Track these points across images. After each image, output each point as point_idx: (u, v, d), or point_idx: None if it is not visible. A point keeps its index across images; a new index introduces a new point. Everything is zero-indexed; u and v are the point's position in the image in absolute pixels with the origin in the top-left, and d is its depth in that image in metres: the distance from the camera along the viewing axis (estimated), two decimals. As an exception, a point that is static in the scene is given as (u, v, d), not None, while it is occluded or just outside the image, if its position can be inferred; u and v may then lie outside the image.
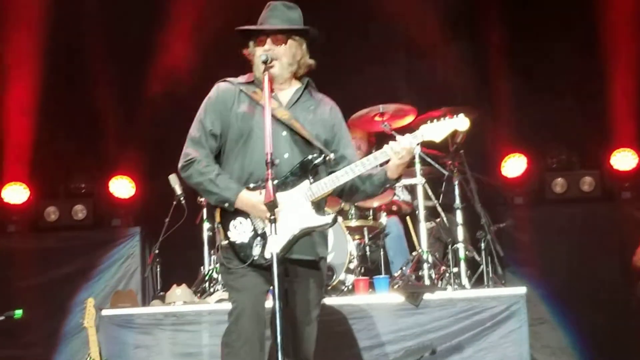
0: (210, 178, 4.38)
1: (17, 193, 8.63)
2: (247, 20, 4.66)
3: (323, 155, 4.39)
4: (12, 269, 8.32)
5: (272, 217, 4.08)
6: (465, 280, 6.72)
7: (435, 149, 6.82)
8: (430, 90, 8.09)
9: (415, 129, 4.43)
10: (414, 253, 6.91)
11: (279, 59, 4.45)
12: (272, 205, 4.07)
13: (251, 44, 4.52)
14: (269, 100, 4.29)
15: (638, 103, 8.35)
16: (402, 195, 7.54)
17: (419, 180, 6.80)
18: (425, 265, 6.60)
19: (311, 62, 4.56)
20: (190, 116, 4.58)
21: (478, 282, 6.87)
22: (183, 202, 7.17)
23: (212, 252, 7.05)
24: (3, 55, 8.60)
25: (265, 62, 4.37)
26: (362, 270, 6.80)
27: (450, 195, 7.07)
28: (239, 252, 4.35)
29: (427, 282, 6.54)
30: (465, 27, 8.54)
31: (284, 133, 4.44)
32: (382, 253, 7.00)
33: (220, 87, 4.57)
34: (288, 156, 4.41)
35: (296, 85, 4.58)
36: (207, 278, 6.93)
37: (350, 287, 6.58)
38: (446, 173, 7.04)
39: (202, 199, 7.04)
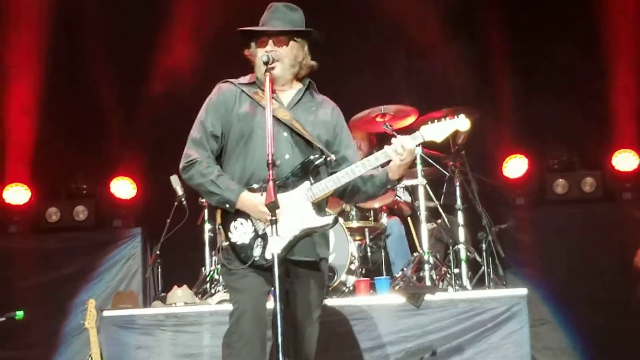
0: (211, 179, 4.38)
1: (18, 194, 8.63)
2: (249, 20, 4.66)
3: (324, 156, 4.39)
4: (13, 270, 8.32)
5: (273, 218, 4.09)
6: (466, 281, 6.72)
7: (436, 150, 6.82)
8: (431, 90, 8.10)
9: (416, 130, 4.43)
10: (415, 254, 6.91)
11: (281, 60, 4.45)
12: (273, 206, 4.07)
13: (253, 44, 4.52)
14: (270, 101, 4.29)
15: (639, 104, 8.35)
16: (403, 197, 7.53)
17: (420, 181, 6.80)
18: (427, 266, 6.59)
19: (313, 63, 4.56)
20: (191, 117, 4.58)
21: (479, 283, 6.87)
22: (184, 203, 7.17)
23: (213, 253, 7.06)
24: (4, 56, 8.60)
25: (266, 63, 4.37)
26: (363, 271, 6.80)
27: (451, 196, 7.06)
28: (239, 253, 4.35)
29: (428, 283, 6.54)
30: (465, 27, 8.54)
31: (285, 134, 4.44)
32: (383, 254, 7.01)
33: (221, 88, 4.58)
34: (289, 157, 4.41)
35: (297, 86, 4.58)
36: (208, 279, 6.94)
37: (351, 288, 6.58)
38: (447, 174, 7.05)
39: (204, 200, 7.05)
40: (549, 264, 7.93)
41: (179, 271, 7.45)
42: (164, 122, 8.24)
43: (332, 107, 4.63)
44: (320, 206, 4.42)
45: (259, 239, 4.33)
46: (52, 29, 8.49)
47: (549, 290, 7.79)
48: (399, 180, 4.48)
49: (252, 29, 4.53)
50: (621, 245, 7.83)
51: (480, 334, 6.08)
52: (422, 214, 6.77)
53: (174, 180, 7.14)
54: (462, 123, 4.42)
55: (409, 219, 7.36)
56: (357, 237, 6.95)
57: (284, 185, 4.34)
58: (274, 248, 4.08)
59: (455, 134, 4.54)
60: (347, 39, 8.38)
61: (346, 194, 4.55)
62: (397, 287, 6.50)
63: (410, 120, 7.13)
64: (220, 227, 4.42)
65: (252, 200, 4.31)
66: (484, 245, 6.88)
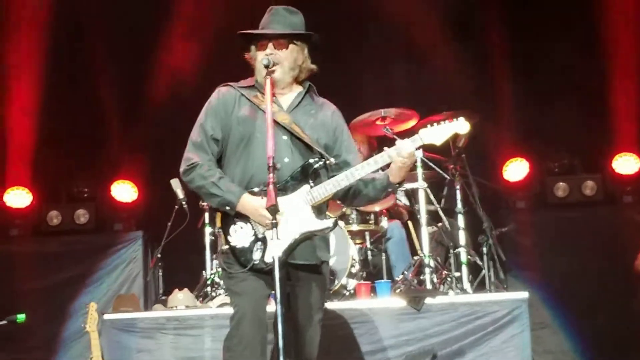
0: (212, 181, 4.38)
1: (19, 197, 8.62)
2: (249, 22, 4.67)
3: (323, 160, 4.40)
4: (15, 273, 8.31)
5: (274, 222, 4.09)
6: (467, 285, 6.71)
7: (437, 153, 6.82)
8: (431, 92, 8.09)
9: (417, 133, 4.43)
10: (416, 257, 6.91)
11: (281, 64, 4.46)
12: (273, 210, 4.07)
13: (253, 48, 4.53)
14: (270, 104, 4.29)
15: (640, 106, 8.36)
16: (403, 200, 7.53)
17: (420, 184, 6.79)
18: (427, 270, 6.59)
19: (313, 66, 4.56)
20: (192, 119, 4.59)
21: (480, 286, 6.86)
22: (185, 206, 7.18)
23: (214, 256, 7.04)
24: (4, 56, 8.60)
25: (267, 67, 4.38)
26: (364, 275, 6.80)
27: (452, 200, 7.06)
28: (239, 256, 4.35)
29: (429, 286, 6.53)
30: (466, 28, 8.53)
31: (285, 137, 4.44)
32: (383, 257, 7.00)
33: (221, 91, 4.58)
34: (288, 160, 4.41)
35: (297, 89, 4.59)
36: (209, 282, 6.93)
37: (352, 291, 6.58)
38: (448, 177, 7.05)
39: (204, 203, 7.04)
40: (549, 267, 7.92)
41: (180, 274, 7.45)
42: (165, 125, 8.24)
43: (332, 110, 4.63)
44: (320, 209, 4.42)
45: (259, 243, 4.33)
46: (52, 29, 8.50)
47: (550, 293, 7.77)
48: (400, 183, 4.48)
49: (252, 32, 4.53)
50: (622, 249, 7.81)
51: (481, 338, 6.08)
52: (423, 217, 6.76)
53: (175, 183, 7.15)
54: (461, 126, 4.42)
55: (409, 222, 7.35)
56: (358, 241, 6.94)
57: (283, 188, 4.34)
58: (275, 251, 4.08)
59: (455, 136, 4.54)
60: (347, 39, 8.38)
61: (347, 197, 4.55)
62: (397, 291, 6.50)
63: (411, 123, 7.13)
64: (220, 230, 4.42)
65: (252, 203, 4.31)
66: (484, 249, 6.88)
